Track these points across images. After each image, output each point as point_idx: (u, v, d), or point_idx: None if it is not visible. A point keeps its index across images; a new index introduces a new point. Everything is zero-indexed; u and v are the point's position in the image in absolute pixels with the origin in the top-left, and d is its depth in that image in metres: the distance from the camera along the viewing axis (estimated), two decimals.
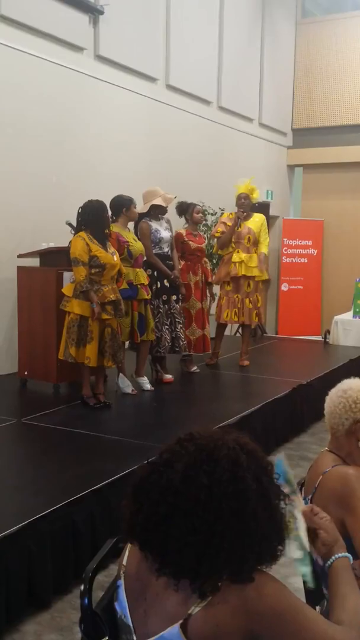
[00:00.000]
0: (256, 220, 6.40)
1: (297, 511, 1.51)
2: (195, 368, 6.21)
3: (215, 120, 8.92)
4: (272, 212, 10.32)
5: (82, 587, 1.51)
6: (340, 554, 1.53)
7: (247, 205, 6.31)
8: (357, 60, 10.37)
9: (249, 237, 6.29)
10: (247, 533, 1.25)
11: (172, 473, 1.28)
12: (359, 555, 1.91)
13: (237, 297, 6.36)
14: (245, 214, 6.25)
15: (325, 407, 2.10)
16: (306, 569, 1.51)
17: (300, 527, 1.51)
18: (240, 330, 7.11)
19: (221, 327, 6.58)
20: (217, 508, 1.24)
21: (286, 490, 1.78)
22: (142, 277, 5.31)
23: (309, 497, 2.05)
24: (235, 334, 7.94)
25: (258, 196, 6.56)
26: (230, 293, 6.38)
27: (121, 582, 1.43)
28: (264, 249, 6.41)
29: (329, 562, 1.53)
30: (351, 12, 10.56)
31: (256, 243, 6.35)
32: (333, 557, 1.53)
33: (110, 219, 5.10)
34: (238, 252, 6.28)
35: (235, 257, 6.28)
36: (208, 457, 1.28)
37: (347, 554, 1.54)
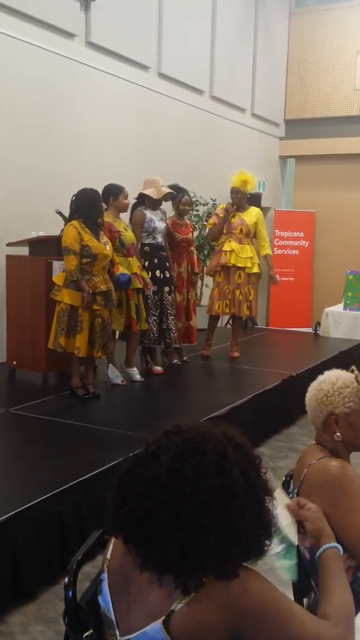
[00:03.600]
0: (252, 214, 6.33)
1: (279, 506, 1.49)
2: (176, 360, 6.16)
3: (207, 109, 8.86)
4: (263, 203, 10.28)
5: (66, 580, 1.49)
6: (327, 545, 1.51)
7: (238, 199, 6.26)
8: (351, 51, 10.32)
9: (241, 228, 6.24)
10: (233, 528, 1.23)
11: (157, 466, 1.25)
12: (347, 549, 1.89)
13: (227, 287, 6.29)
14: (234, 207, 6.21)
15: (305, 400, 2.11)
16: (289, 562, 1.49)
17: (283, 521, 1.49)
18: (230, 321, 7.07)
19: (213, 318, 6.52)
20: (203, 502, 1.22)
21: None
22: (135, 265, 5.27)
23: (296, 490, 2.04)
24: (226, 325, 7.92)
25: (253, 187, 6.51)
26: (222, 284, 6.31)
27: (104, 575, 1.40)
28: (268, 249, 6.39)
29: (317, 554, 1.51)
30: (345, 2, 10.49)
31: (249, 235, 6.30)
32: (321, 549, 1.51)
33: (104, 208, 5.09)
34: (230, 241, 6.23)
35: (226, 247, 6.22)
36: (195, 450, 1.25)
37: (335, 545, 1.52)
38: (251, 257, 6.33)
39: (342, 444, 2.02)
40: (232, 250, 6.21)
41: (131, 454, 1.34)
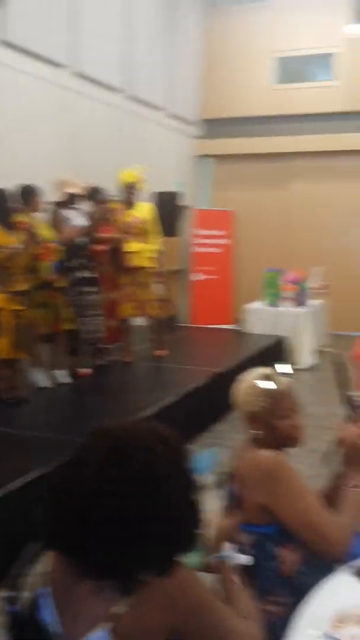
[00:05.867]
0: (145, 209, 6.30)
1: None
2: (103, 361, 6.09)
3: (124, 108, 8.81)
4: (182, 202, 10.32)
5: (8, 594, 1.42)
6: (221, 553, 1.61)
7: (135, 195, 6.24)
8: (266, 51, 10.49)
9: (139, 226, 6.18)
10: (166, 523, 1.21)
11: (84, 470, 1.21)
12: (295, 537, 1.88)
13: (132, 289, 6.18)
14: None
15: None
16: (195, 557, 1.57)
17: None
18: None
19: (124, 321, 6.33)
20: (131, 500, 1.19)
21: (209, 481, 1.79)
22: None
23: (233, 484, 2.04)
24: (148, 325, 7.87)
25: (143, 186, 6.46)
26: (126, 286, 6.17)
27: (46, 589, 1.36)
28: (158, 244, 6.33)
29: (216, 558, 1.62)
30: (259, 2, 10.63)
31: (146, 232, 6.24)
32: (217, 555, 1.61)
33: (20, 208, 5.02)
34: (129, 242, 6.11)
35: (130, 247, 6.09)
36: (120, 448, 1.22)
37: (225, 554, 1.61)
38: (151, 256, 6.25)
39: (271, 440, 2.03)
40: (135, 252, 6.11)
41: (62, 461, 1.31)
